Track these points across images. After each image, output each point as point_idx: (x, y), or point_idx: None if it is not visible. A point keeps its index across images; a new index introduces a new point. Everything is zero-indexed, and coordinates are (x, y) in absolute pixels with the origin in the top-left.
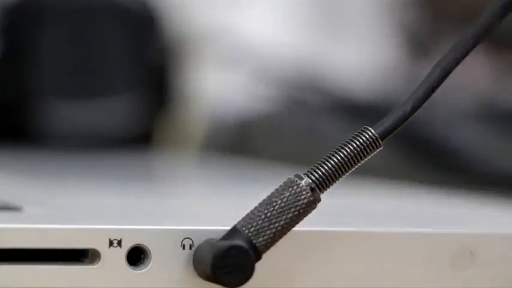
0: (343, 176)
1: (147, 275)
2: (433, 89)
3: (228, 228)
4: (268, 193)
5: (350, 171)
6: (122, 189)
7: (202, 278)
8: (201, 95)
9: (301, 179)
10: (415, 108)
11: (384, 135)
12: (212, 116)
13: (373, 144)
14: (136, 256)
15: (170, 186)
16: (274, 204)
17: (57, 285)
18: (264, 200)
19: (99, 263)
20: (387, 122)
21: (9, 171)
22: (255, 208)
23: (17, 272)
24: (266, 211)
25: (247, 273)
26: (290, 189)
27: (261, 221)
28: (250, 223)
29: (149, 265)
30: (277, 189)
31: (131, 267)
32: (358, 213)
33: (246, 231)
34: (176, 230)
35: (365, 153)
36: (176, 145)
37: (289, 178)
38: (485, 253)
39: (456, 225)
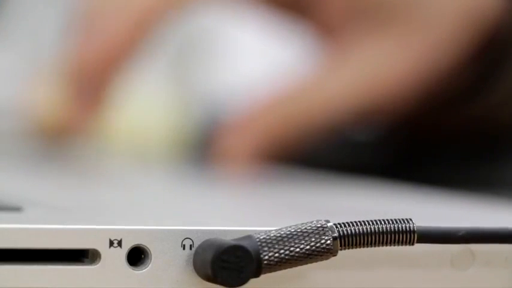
0: (364, 247)
1: (147, 275)
2: (491, 239)
3: (228, 228)
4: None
5: (373, 246)
6: (122, 189)
7: (202, 278)
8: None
9: (328, 223)
10: (463, 239)
11: (421, 238)
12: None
13: (407, 237)
14: (137, 256)
15: (170, 186)
16: (295, 232)
17: (57, 285)
18: (288, 226)
19: (100, 263)
20: (433, 229)
21: (10, 171)
22: (277, 229)
23: (17, 272)
24: (285, 234)
25: (245, 276)
26: (315, 228)
27: (275, 239)
28: (265, 237)
29: (149, 265)
30: (303, 224)
31: (131, 267)
32: (358, 212)
33: (257, 240)
34: (176, 230)
35: (394, 240)
36: (175, 145)
37: (318, 220)
38: (485, 253)
39: (456, 224)
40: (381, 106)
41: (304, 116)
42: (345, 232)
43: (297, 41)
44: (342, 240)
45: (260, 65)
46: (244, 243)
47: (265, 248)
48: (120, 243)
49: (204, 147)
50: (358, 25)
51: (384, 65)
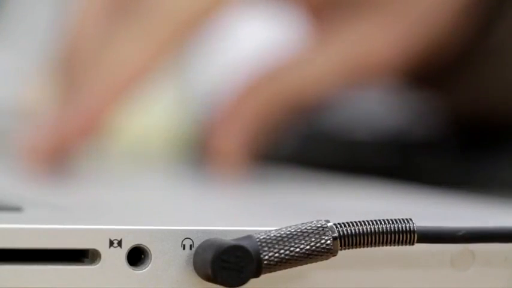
0: (364, 247)
1: (147, 275)
2: (491, 239)
3: (228, 228)
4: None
5: (373, 246)
6: (122, 189)
7: (202, 278)
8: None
9: (328, 223)
10: (463, 239)
11: (421, 238)
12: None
13: (407, 237)
14: (137, 256)
15: (170, 186)
16: (295, 232)
17: (57, 285)
18: (288, 226)
19: (100, 263)
20: (433, 229)
21: (10, 172)
22: (277, 229)
23: (17, 272)
24: (285, 234)
25: (245, 276)
26: (315, 228)
27: (275, 239)
28: (265, 237)
29: (149, 265)
30: (303, 223)
31: (131, 267)
32: (358, 212)
33: (257, 240)
34: (176, 230)
35: (394, 240)
36: (175, 145)
37: (319, 220)
38: (485, 253)
39: (456, 224)
40: (372, 79)
41: (292, 90)
42: (345, 232)
43: (284, 23)
44: (342, 240)
45: (247, 48)
46: (244, 243)
47: (265, 248)
48: (120, 243)
49: (203, 146)
50: (343, 7)
51: (371, 38)
